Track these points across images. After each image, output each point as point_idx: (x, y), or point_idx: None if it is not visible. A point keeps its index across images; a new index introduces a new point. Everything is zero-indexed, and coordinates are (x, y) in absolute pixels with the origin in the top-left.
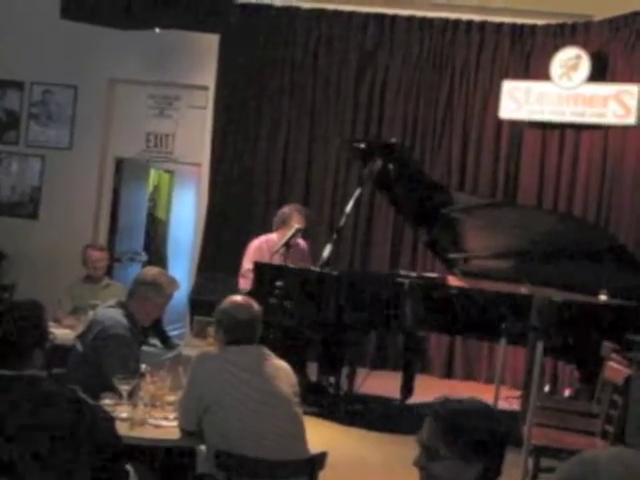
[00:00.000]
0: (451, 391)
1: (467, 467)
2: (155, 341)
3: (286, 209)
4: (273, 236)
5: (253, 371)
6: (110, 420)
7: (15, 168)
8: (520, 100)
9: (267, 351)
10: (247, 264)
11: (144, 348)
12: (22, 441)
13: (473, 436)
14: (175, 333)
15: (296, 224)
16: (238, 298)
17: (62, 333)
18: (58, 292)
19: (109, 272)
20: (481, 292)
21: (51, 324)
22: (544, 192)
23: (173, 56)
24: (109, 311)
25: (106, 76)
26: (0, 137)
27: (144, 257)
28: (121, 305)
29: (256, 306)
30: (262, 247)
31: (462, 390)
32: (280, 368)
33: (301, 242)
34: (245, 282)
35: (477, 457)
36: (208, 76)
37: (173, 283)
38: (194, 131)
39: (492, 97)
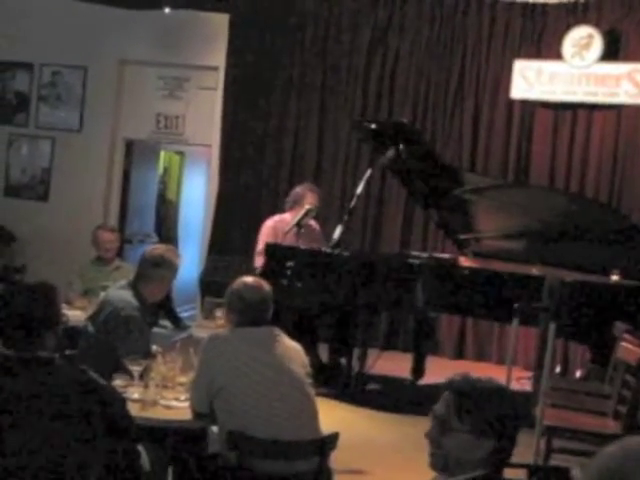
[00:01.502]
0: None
1: (478, 443)
2: (166, 322)
3: (299, 189)
4: (286, 216)
5: (265, 352)
6: (122, 400)
7: (25, 150)
8: (532, 80)
9: (278, 332)
10: (262, 244)
11: (155, 329)
12: (34, 423)
13: (487, 413)
14: (186, 314)
15: (309, 204)
16: (249, 279)
17: (73, 314)
18: (68, 274)
19: (120, 254)
20: (493, 273)
21: (62, 306)
22: (556, 173)
23: (183, 37)
24: (120, 292)
25: (116, 57)
26: (10, 119)
27: (155, 238)
28: (131, 286)
29: (267, 287)
30: (276, 227)
31: (473, 371)
32: (292, 349)
33: (313, 223)
34: (260, 260)
35: (489, 434)
36: (218, 57)
37: (178, 255)
38: (204, 112)
39: (504, 77)
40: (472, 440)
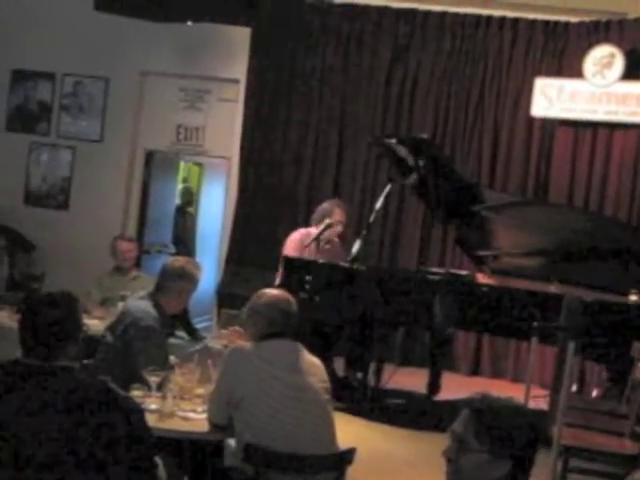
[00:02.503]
0: (479, 389)
1: (495, 464)
2: (182, 333)
3: (326, 204)
4: (313, 230)
5: (286, 367)
6: (140, 411)
7: (46, 159)
8: (552, 98)
9: (300, 347)
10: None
11: (171, 340)
12: (55, 433)
13: (506, 434)
14: (201, 326)
15: (337, 219)
16: (275, 292)
17: (91, 324)
18: (87, 283)
19: (138, 264)
20: (511, 290)
21: (83, 315)
22: (575, 191)
23: (204, 49)
24: (140, 303)
25: (137, 68)
26: (32, 128)
27: (172, 249)
28: (151, 297)
29: (293, 300)
30: (302, 240)
31: (489, 388)
32: (312, 364)
33: (336, 240)
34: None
35: (507, 454)
36: (239, 69)
37: (199, 267)
38: (224, 124)
39: (524, 95)
40: (489, 460)
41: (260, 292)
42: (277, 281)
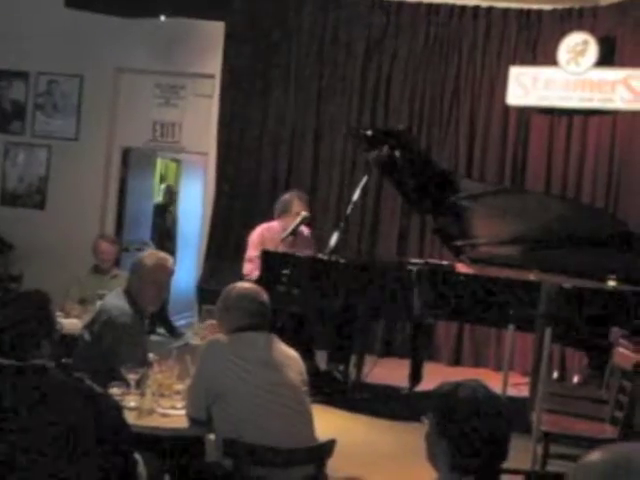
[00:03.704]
0: (459, 378)
1: (464, 462)
2: (162, 330)
3: (287, 196)
4: (274, 224)
5: (262, 359)
6: (118, 409)
7: (22, 158)
8: (527, 86)
9: (276, 339)
10: (250, 251)
11: (152, 337)
12: (30, 432)
13: (469, 435)
14: (183, 322)
15: (297, 211)
16: (247, 285)
17: (69, 323)
18: (65, 282)
19: (117, 262)
20: (489, 279)
21: (59, 314)
22: (552, 178)
23: (179, 44)
24: (115, 300)
25: (112, 65)
26: (6, 128)
27: (152, 246)
28: (126, 293)
29: (264, 292)
30: (263, 234)
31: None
32: (289, 356)
33: (305, 230)
34: (248, 267)
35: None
36: (214, 64)
37: (168, 258)
38: (200, 120)
39: (499, 83)
40: (458, 458)
41: (230, 286)
42: (245, 274)
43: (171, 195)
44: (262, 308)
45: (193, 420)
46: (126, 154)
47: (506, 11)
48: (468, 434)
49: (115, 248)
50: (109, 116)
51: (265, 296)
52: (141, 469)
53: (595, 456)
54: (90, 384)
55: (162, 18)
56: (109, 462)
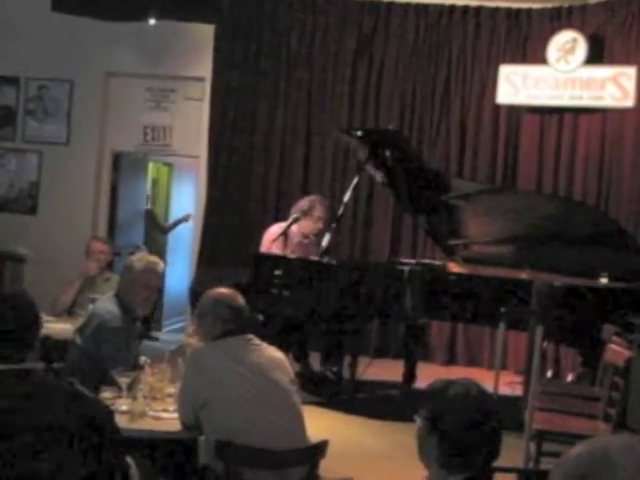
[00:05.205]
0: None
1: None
2: (157, 334)
3: (308, 200)
4: (292, 227)
5: (248, 363)
6: (109, 413)
7: (12, 164)
8: (517, 85)
9: (258, 341)
10: (262, 249)
11: (146, 342)
12: (19, 436)
13: (457, 441)
14: (176, 326)
15: (318, 215)
16: (220, 290)
17: (61, 327)
18: (57, 287)
19: (110, 265)
20: (481, 278)
21: (50, 318)
22: (543, 177)
23: (168, 48)
24: (107, 304)
25: (102, 70)
26: None
27: (144, 251)
28: (117, 297)
29: (239, 295)
30: (278, 233)
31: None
32: (273, 357)
33: (313, 238)
34: None
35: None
36: (204, 67)
37: (157, 260)
38: (191, 123)
39: (489, 82)
40: (448, 456)
41: (205, 293)
42: None
43: (152, 219)
44: (238, 312)
45: (184, 424)
46: (117, 158)
47: (495, 10)
48: (458, 432)
49: (108, 248)
50: (100, 120)
51: (240, 300)
52: (133, 472)
53: (574, 450)
54: (81, 388)
55: (152, 21)
56: (101, 467)
